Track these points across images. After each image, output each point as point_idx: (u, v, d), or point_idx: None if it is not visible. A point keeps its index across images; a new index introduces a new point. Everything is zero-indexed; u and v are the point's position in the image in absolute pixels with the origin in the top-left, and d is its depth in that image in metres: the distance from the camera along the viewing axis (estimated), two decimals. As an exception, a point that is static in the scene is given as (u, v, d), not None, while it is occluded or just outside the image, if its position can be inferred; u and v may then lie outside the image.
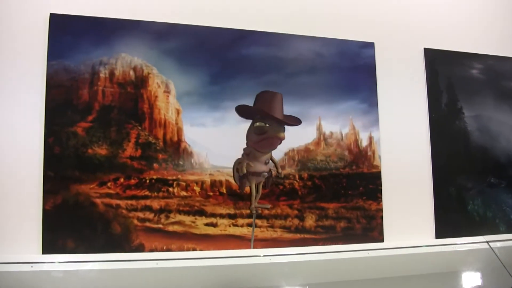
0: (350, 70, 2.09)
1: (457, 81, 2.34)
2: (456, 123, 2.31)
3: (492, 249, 2.15)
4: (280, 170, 1.95)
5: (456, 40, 2.38)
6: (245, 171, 1.89)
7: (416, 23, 2.31)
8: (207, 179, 1.84)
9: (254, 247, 1.87)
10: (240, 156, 1.91)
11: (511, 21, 2.52)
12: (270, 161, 1.95)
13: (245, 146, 1.92)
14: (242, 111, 1.91)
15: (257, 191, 1.93)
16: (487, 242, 2.18)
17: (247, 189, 1.89)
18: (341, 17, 2.16)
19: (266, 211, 1.90)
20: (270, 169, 1.94)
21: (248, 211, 1.88)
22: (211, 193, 1.85)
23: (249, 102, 1.92)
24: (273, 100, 1.95)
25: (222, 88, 1.88)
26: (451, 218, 2.24)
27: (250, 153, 1.91)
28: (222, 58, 1.92)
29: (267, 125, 1.92)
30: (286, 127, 1.95)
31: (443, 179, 2.25)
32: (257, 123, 1.92)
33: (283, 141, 1.95)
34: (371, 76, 2.12)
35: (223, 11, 1.98)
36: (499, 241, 2.23)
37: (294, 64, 2.02)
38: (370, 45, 2.15)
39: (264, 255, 1.85)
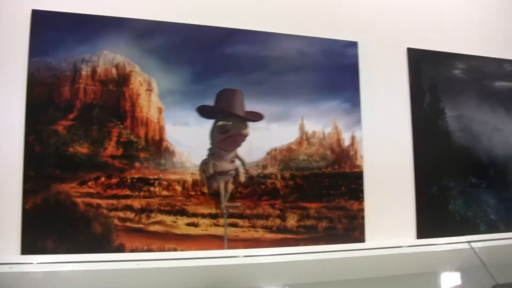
0: (333, 70, 2.17)
1: (440, 81, 2.44)
2: (439, 123, 2.41)
3: (473, 249, 2.25)
4: (247, 167, 2.02)
5: (440, 40, 2.48)
6: (212, 171, 1.96)
7: (399, 23, 2.41)
8: (189, 179, 1.91)
9: (234, 247, 1.94)
10: (206, 157, 1.97)
11: (494, 22, 2.64)
12: (237, 159, 2.02)
13: (210, 146, 1.97)
14: (204, 111, 1.96)
15: (226, 190, 1.99)
16: (468, 242, 2.28)
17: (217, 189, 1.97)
18: (325, 16, 2.24)
19: (248, 211, 1.98)
20: (236, 167, 2.01)
21: (231, 211, 1.95)
22: (193, 193, 1.91)
23: (234, 101, 2.01)
24: (233, 98, 2.01)
25: (206, 87, 1.95)
26: (432, 218, 2.34)
27: (215, 153, 1.97)
28: (206, 56, 1.98)
29: (230, 123, 1.99)
30: (269, 126, 2.03)
31: (424, 179, 2.34)
32: (220, 122, 1.98)
33: (266, 141, 2.03)
34: (354, 76, 2.21)
35: (208, 9, 2.04)
36: (480, 241, 2.33)
37: (279, 63, 2.09)
38: (354, 45, 2.23)
39: (245, 256, 1.92)
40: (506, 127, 2.59)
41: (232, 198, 1.98)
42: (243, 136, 2.02)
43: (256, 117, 2.04)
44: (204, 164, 1.95)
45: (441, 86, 2.44)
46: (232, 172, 2.00)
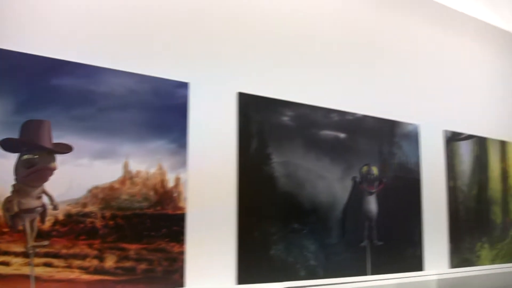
0: (162, 109, 2.45)
1: (269, 127, 2.83)
2: (265, 168, 2.79)
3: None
4: (55, 203, 2.11)
5: (270, 86, 2.89)
6: (16, 209, 2.03)
7: (231, 67, 2.76)
8: (2, 214, 2.00)
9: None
10: (10, 194, 2.04)
11: (325, 72, 3.17)
12: (44, 194, 2.11)
13: (14, 182, 2.06)
14: (7, 145, 2.04)
15: (32, 229, 2.06)
16: (285, 289, 2.61)
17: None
18: (157, 54, 2.52)
19: (64, 250, 2.10)
20: (43, 204, 2.11)
21: (47, 250, 2.07)
22: (6, 230, 2.01)
23: (58, 134, 2.17)
24: (40, 129, 2.12)
25: (28, 118, 2.10)
26: (253, 263, 2.65)
27: (20, 189, 2.06)
28: (31, 87, 2.12)
29: (36, 156, 2.10)
30: (91, 163, 2.23)
31: (248, 223, 2.66)
32: (25, 156, 2.08)
33: (87, 178, 2.20)
34: (183, 117, 2.52)
35: (34, 37, 2.17)
36: (298, 287, 2.77)
37: (106, 99, 2.30)
38: (185, 85, 2.54)
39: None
40: (330, 175, 3.08)
41: (49, 236, 2.09)
42: (51, 170, 2.13)
43: (65, 149, 2.17)
44: (8, 202, 2.02)
45: (269, 132, 2.84)
46: (39, 209, 2.09)
